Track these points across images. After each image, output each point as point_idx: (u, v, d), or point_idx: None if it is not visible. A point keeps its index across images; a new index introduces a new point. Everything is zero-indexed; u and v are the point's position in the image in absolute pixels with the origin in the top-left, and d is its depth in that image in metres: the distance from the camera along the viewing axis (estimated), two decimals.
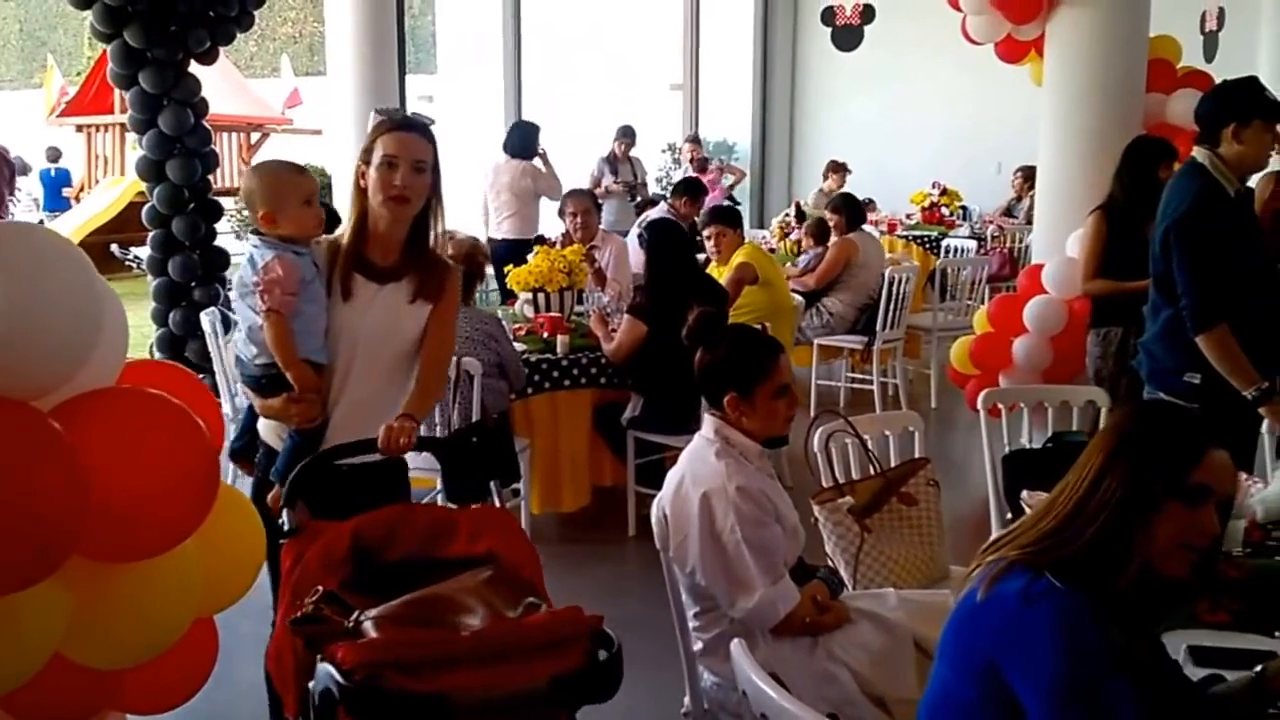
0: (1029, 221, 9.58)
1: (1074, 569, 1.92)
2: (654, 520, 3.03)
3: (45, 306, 2.36)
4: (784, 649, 2.92)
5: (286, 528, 2.68)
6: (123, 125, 14.19)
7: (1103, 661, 1.83)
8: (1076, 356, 5.57)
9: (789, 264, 8.68)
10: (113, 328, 2.61)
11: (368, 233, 3.11)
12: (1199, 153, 3.89)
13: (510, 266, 6.15)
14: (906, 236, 11.02)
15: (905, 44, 12.94)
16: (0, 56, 32.06)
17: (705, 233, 6.85)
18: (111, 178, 15.80)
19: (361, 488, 2.98)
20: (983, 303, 7.97)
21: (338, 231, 3.21)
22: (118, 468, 2.46)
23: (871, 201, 11.27)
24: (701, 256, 6.85)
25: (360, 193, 3.10)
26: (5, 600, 2.29)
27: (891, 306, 7.60)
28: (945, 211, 11.90)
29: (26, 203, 17.62)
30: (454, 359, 4.43)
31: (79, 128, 16.56)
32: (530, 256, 6.11)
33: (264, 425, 3.23)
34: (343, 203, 3.17)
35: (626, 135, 10.84)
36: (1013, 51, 6.98)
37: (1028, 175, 10.81)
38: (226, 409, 5.51)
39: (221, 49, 7.41)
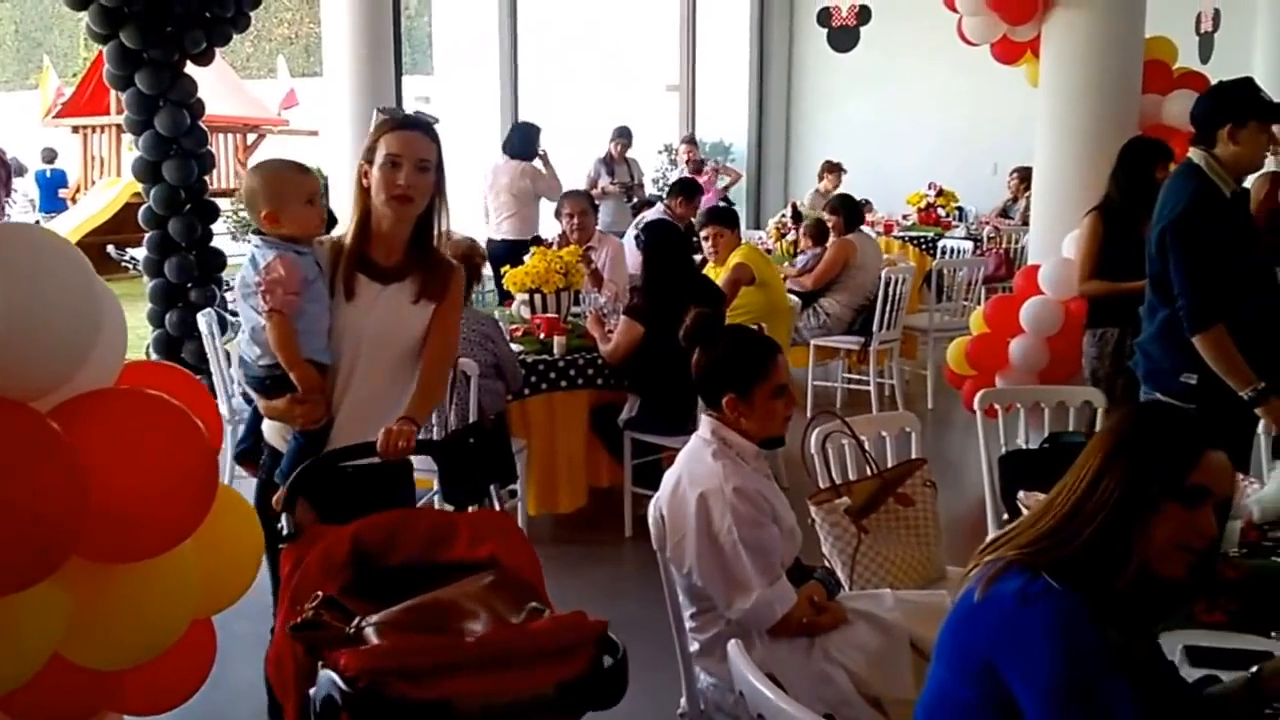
0: (1025, 222, 9.59)
1: (1071, 569, 1.93)
2: (651, 521, 3.03)
3: (44, 306, 2.36)
4: (781, 650, 2.93)
5: (285, 532, 2.66)
6: (119, 126, 14.15)
7: (1100, 662, 1.84)
8: (1073, 357, 5.57)
9: (786, 264, 8.70)
10: (111, 328, 2.61)
11: (371, 232, 3.09)
12: (1195, 154, 3.90)
13: (507, 267, 6.16)
14: (903, 237, 11.03)
15: (901, 45, 12.94)
16: None
17: (702, 233, 6.85)
18: (107, 179, 15.79)
19: (367, 489, 2.97)
20: (979, 303, 7.97)
21: (340, 231, 3.19)
22: (117, 468, 2.46)
23: (868, 202, 11.27)
24: (698, 257, 6.86)
25: (363, 192, 3.07)
26: (4, 601, 2.29)
27: (888, 307, 7.61)
28: (941, 212, 11.91)
29: (22, 204, 17.59)
30: None
31: (75, 129, 16.55)
32: (527, 258, 6.11)
33: (268, 427, 3.21)
34: (339, 203, 3.15)
35: (623, 136, 10.84)
36: (1008, 53, 6.98)
37: (1024, 176, 10.81)
38: (223, 410, 5.51)
39: (218, 50, 7.39)
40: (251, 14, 7.38)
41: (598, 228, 7.26)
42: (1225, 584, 2.67)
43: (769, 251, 8.84)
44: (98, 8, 6.76)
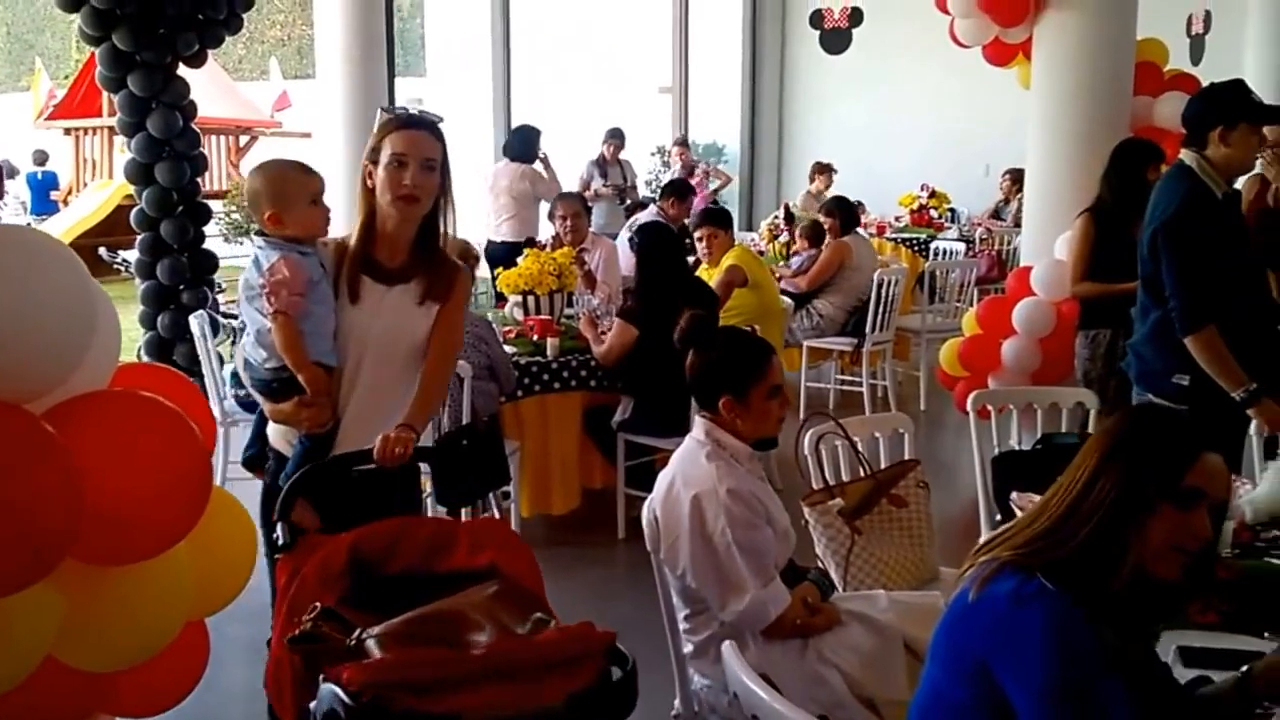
0: (1017, 224, 9.61)
1: (1066, 571, 1.93)
2: (644, 523, 3.04)
3: (39, 308, 2.35)
4: (774, 651, 2.93)
5: (281, 541, 2.62)
6: (111, 128, 14.18)
7: (1095, 663, 1.84)
8: (1065, 358, 5.58)
9: (781, 264, 8.70)
10: (105, 330, 2.61)
11: (376, 233, 3.06)
12: (1186, 155, 3.91)
13: (501, 269, 6.16)
14: (895, 239, 11.03)
15: (893, 47, 12.96)
16: None
17: (696, 234, 6.85)
18: (99, 181, 15.77)
19: (372, 493, 2.92)
20: (971, 305, 8.00)
21: (338, 232, 3.15)
22: (111, 471, 2.46)
23: (861, 204, 11.29)
24: (691, 259, 6.86)
25: (368, 192, 3.03)
26: None
27: (881, 308, 7.61)
28: (934, 214, 11.93)
29: (14, 206, 17.56)
30: None
31: (67, 131, 16.51)
32: (520, 259, 6.12)
33: (273, 431, 3.16)
34: (332, 204, 3.10)
35: (615, 138, 10.84)
36: (1000, 54, 7.01)
37: (1016, 178, 10.84)
38: (215, 412, 5.50)
39: (210, 52, 7.39)
40: (244, 16, 7.38)
41: (591, 230, 7.26)
42: (1218, 585, 2.67)
43: (761, 253, 8.84)
44: (90, 10, 6.76)
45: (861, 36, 10.82)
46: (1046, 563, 1.95)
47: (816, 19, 10.90)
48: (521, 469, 5.41)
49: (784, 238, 9.43)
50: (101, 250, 10.68)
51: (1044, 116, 6.56)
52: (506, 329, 5.88)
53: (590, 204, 9.15)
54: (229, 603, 3.06)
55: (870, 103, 14.25)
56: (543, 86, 14.09)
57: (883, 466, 3.68)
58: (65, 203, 16.56)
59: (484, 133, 12.02)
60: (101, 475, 2.41)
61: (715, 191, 12.16)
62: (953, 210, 12.45)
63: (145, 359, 7.17)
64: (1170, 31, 8.25)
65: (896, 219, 11.91)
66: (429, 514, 4.04)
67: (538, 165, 9.12)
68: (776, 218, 10.06)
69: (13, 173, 17.77)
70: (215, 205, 9.96)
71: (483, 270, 7.76)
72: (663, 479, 3.09)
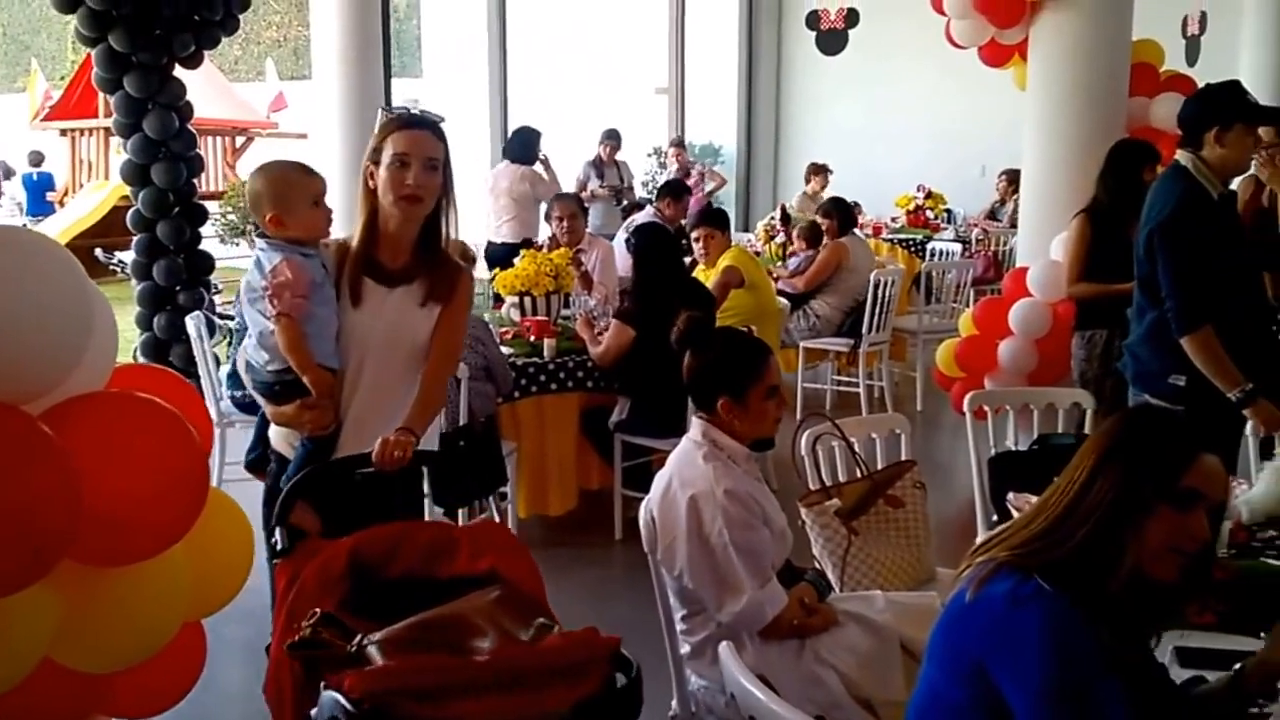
0: (1013, 225, 9.61)
1: (1063, 571, 1.93)
2: (641, 523, 3.04)
3: (36, 309, 2.35)
4: (771, 652, 2.93)
5: (279, 547, 2.61)
6: (107, 129, 14.16)
7: (1092, 664, 1.84)
8: (1061, 359, 5.58)
9: (779, 264, 8.71)
10: (103, 331, 2.60)
11: (378, 234, 3.04)
12: (1182, 156, 3.91)
13: (497, 270, 6.16)
14: (892, 240, 11.05)
15: (890, 48, 12.97)
16: None
17: (693, 234, 6.87)
18: (95, 182, 15.76)
19: (375, 496, 2.91)
20: (968, 306, 8.00)
21: (341, 234, 3.13)
22: (108, 472, 2.46)
23: (857, 205, 11.30)
24: (687, 259, 6.86)
25: (369, 193, 3.02)
26: None
27: (877, 309, 7.63)
28: (930, 215, 11.96)
29: (9, 207, 17.55)
30: None
31: (63, 132, 16.48)
32: (517, 260, 6.12)
33: (275, 434, 3.15)
34: (332, 206, 3.09)
35: (612, 139, 10.85)
36: (996, 55, 7.00)
37: (1012, 178, 10.86)
38: (212, 414, 5.50)
39: (206, 53, 7.38)
40: (240, 17, 7.38)
41: (587, 230, 7.27)
42: (1215, 585, 2.68)
43: (758, 254, 8.85)
44: (86, 11, 6.75)
45: (858, 37, 10.81)
46: (1044, 563, 1.95)
47: (813, 20, 10.87)
48: (518, 470, 5.41)
49: (780, 238, 9.44)
50: (98, 251, 10.68)
51: (1040, 117, 6.55)
52: (503, 330, 5.88)
53: (587, 205, 9.16)
54: (226, 604, 3.06)
55: (866, 104, 14.26)
56: (539, 87, 14.09)
57: (879, 467, 3.68)
58: (61, 204, 16.54)
59: (480, 134, 12.02)
60: (99, 476, 2.41)
61: (710, 194, 12.17)
62: (949, 211, 12.47)
63: (141, 360, 7.17)
64: (1166, 32, 8.25)
65: (893, 220, 11.93)
66: (427, 515, 4.03)
67: (538, 167, 9.14)
68: (773, 219, 10.07)
69: (9, 174, 17.78)
70: (211, 206, 9.97)
71: (480, 271, 7.75)
72: (660, 480, 3.09)
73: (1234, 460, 3.75)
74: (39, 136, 17.43)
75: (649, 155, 14.21)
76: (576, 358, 5.56)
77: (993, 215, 11.90)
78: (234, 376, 5.36)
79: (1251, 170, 4.87)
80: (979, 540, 2.15)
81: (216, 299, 7.96)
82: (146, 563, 2.60)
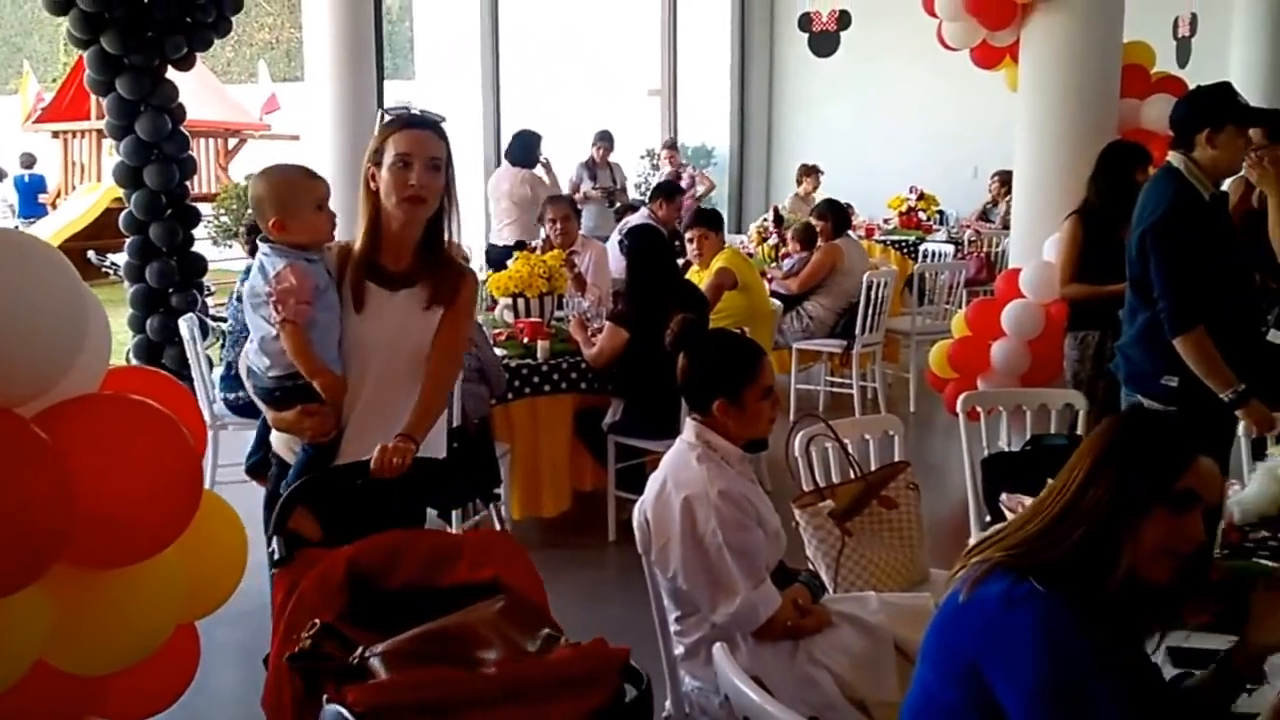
0: (1006, 226, 9.64)
1: (1058, 572, 1.94)
2: (635, 525, 3.04)
3: (29, 311, 2.34)
4: (765, 653, 2.93)
5: (276, 556, 2.57)
6: (99, 131, 14.09)
7: (1086, 665, 1.84)
8: (1054, 360, 5.59)
9: (772, 265, 8.72)
10: (96, 333, 2.60)
11: (380, 236, 3.00)
12: (1174, 157, 3.92)
13: (489, 272, 6.17)
14: (884, 241, 11.06)
15: (882, 50, 12.98)
16: None
17: (687, 235, 6.88)
18: (88, 184, 15.72)
19: (376, 502, 2.86)
20: (960, 307, 8.01)
21: (340, 237, 3.10)
22: (102, 474, 2.45)
23: (849, 206, 11.31)
24: (680, 261, 6.87)
25: (371, 195, 2.98)
26: None
27: (870, 310, 7.63)
28: (922, 216, 11.96)
29: (1, 209, 17.50)
30: None
31: (55, 134, 16.45)
32: (510, 262, 6.12)
33: (276, 438, 3.12)
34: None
35: (605, 140, 10.85)
36: (988, 57, 7.03)
37: (1004, 180, 10.87)
38: (205, 416, 5.49)
39: (199, 55, 7.37)
40: (232, 19, 7.37)
41: (581, 232, 7.27)
42: (1210, 586, 2.68)
43: (750, 255, 8.86)
44: (78, 13, 6.74)
45: (850, 39, 10.81)
46: (1039, 564, 1.95)
47: (805, 22, 10.88)
48: (512, 471, 5.41)
49: (773, 240, 9.45)
50: (90, 253, 10.67)
51: (1032, 119, 6.57)
52: (497, 331, 5.88)
53: (580, 207, 9.17)
54: (219, 606, 3.05)
55: (859, 105, 14.28)
56: (532, 89, 14.08)
57: (873, 468, 3.68)
58: (53, 206, 16.50)
59: (473, 135, 12.00)
60: (92, 479, 2.40)
61: (701, 197, 12.18)
62: (941, 212, 12.48)
63: (134, 362, 7.15)
64: (1157, 34, 8.27)
65: (885, 221, 11.93)
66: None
67: (539, 170, 9.16)
68: (765, 220, 10.08)
69: (1, 175, 17.71)
70: (204, 208, 9.93)
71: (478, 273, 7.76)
72: (653, 481, 3.09)
73: (1226, 461, 3.75)
74: (31, 139, 17.40)
75: (642, 157, 14.21)
76: (570, 359, 5.56)
77: (985, 216, 11.91)
78: (227, 379, 5.39)
79: (1243, 171, 4.89)
80: (973, 541, 2.15)
81: (209, 301, 7.95)
82: (140, 565, 2.60)
